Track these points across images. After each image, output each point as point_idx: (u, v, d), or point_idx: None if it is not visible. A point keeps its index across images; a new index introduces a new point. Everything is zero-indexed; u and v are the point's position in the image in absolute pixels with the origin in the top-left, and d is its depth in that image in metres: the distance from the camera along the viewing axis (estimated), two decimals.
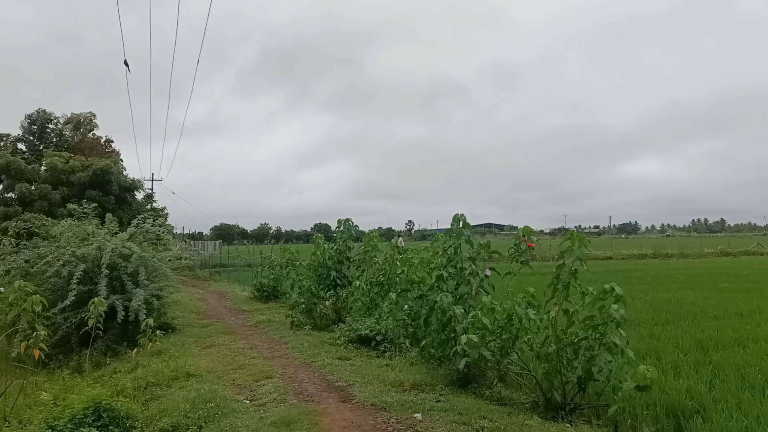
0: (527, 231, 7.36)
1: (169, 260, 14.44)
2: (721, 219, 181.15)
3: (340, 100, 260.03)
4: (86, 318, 9.47)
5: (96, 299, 9.54)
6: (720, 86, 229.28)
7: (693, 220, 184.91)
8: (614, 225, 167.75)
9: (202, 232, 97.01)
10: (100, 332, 9.94)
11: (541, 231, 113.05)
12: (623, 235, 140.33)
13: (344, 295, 12.57)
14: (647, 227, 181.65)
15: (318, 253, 14.27)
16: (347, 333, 10.40)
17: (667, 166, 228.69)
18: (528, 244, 7.18)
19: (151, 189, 44.24)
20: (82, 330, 9.98)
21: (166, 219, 31.05)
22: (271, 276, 18.66)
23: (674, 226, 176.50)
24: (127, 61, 15.21)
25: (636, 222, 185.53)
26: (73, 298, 10.82)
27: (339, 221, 14.69)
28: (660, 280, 22.06)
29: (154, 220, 14.82)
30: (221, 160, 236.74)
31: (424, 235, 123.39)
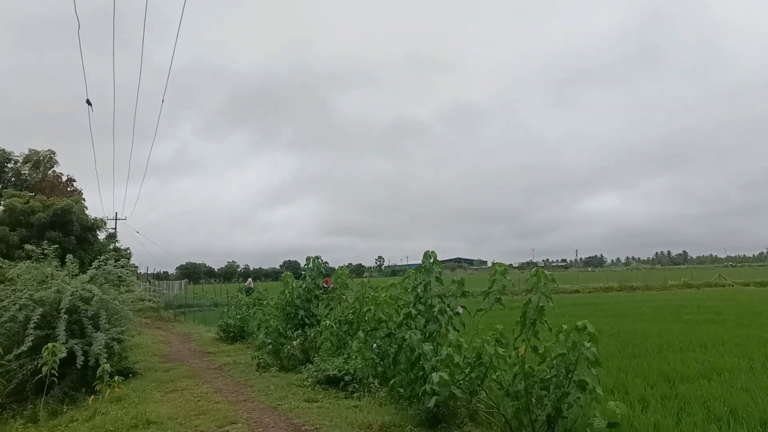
0: (501, 268, 7.37)
1: (131, 302, 14.04)
2: (684, 251, 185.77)
3: (308, 140, 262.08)
4: (41, 365, 9.13)
5: (50, 345, 9.22)
6: (669, 127, 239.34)
7: (656, 253, 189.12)
8: (580, 258, 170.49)
9: (167, 272, 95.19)
10: (56, 379, 9.56)
11: (510, 265, 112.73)
12: (589, 268, 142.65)
13: (312, 334, 12.37)
14: (612, 260, 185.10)
15: (286, 291, 14.05)
16: (315, 374, 10.20)
17: (626, 201, 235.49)
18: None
19: (114, 228, 43.47)
20: (37, 377, 9.57)
21: (129, 259, 30.32)
22: (238, 316, 18.30)
23: (638, 258, 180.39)
24: (90, 100, 15.04)
25: (601, 255, 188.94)
26: (30, 343, 10.38)
27: (308, 258, 14.53)
28: (626, 312, 22.35)
29: (116, 261, 14.45)
30: (189, 200, 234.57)
31: (395, 270, 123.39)
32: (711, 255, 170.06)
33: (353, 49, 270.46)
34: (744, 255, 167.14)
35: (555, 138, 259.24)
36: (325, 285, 12.59)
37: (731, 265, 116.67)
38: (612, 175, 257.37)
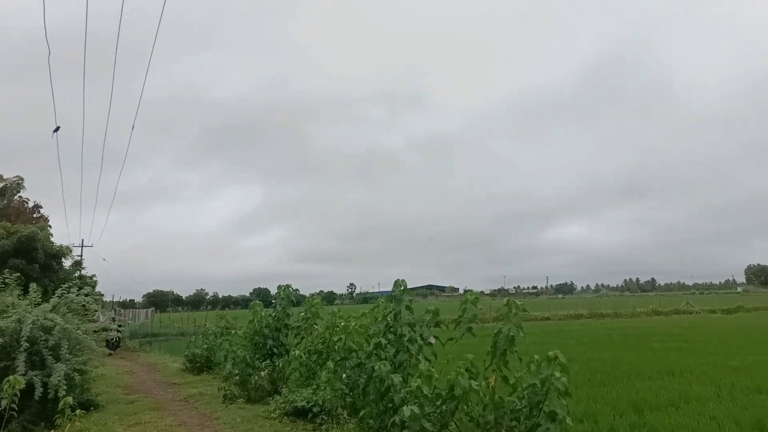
0: (472, 296, 7.37)
1: (95, 332, 13.65)
2: (652, 278, 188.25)
3: (281, 169, 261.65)
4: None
5: (11, 377, 8.85)
6: (631, 160, 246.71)
7: (625, 280, 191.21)
8: (551, 285, 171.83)
9: (134, 300, 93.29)
10: (15, 413, 9.18)
11: (482, 292, 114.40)
12: (560, 296, 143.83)
13: (281, 364, 12.14)
14: (582, 287, 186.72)
15: (255, 320, 13.82)
16: (283, 405, 9.98)
17: (594, 229, 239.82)
18: None
19: (81, 256, 42.52)
20: None
21: (94, 287, 29.62)
22: (205, 346, 17.91)
23: (608, 285, 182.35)
24: (59, 127, 14.81)
25: (572, 282, 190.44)
26: None
27: (278, 287, 14.37)
28: (596, 340, 22.52)
29: (79, 289, 14.07)
30: (160, 228, 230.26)
31: (366, 297, 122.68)
32: (678, 282, 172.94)
33: (326, 84, 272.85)
34: (710, 282, 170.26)
35: (524, 169, 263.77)
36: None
37: (698, 293, 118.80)
38: (579, 205, 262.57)
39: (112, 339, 25.85)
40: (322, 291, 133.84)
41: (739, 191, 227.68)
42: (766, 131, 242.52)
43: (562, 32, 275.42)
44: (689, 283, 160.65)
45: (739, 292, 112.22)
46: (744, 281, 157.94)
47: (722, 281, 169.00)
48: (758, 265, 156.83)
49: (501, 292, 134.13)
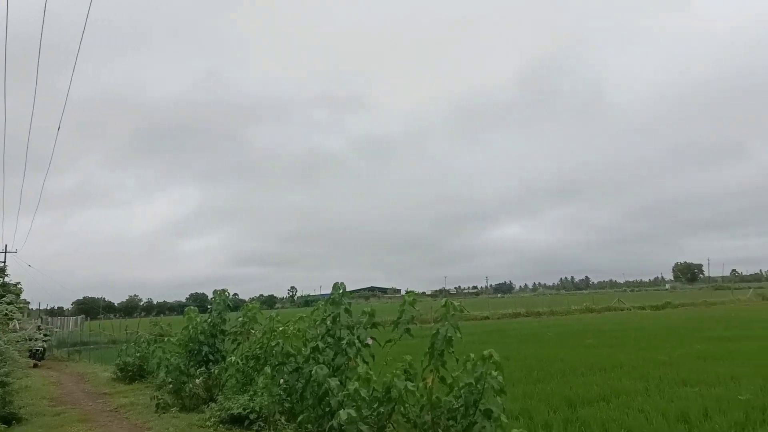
0: (410, 298, 7.36)
1: (18, 342, 12.94)
2: (586, 277, 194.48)
3: (219, 171, 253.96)
4: None
5: None
6: (565, 163, 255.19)
7: (561, 279, 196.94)
8: (491, 285, 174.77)
9: (62, 307, 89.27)
10: None
11: (424, 293, 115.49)
12: (499, 295, 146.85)
13: (217, 371, 11.83)
14: (521, 286, 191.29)
15: (190, 327, 13.41)
16: (218, 413, 9.70)
17: (531, 230, 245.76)
18: None
19: (4, 262, 40.41)
20: None
21: (19, 294, 28.14)
22: (137, 354, 17.27)
23: (544, 284, 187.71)
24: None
25: (510, 282, 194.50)
26: None
27: (214, 292, 14.01)
28: (532, 338, 23.07)
29: (1, 297, 13.33)
30: (91, 232, 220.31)
31: (308, 300, 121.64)
32: (611, 280, 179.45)
33: (265, 85, 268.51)
34: (641, 280, 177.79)
35: (465, 172, 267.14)
36: None
37: (629, 290, 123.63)
38: (518, 207, 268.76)
39: (38, 349, 24.57)
40: (262, 295, 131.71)
41: (666, 192, 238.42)
42: (690, 135, 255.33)
43: (502, 37, 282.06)
44: (621, 281, 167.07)
45: (667, 289, 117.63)
46: (672, 278, 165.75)
47: (651, 279, 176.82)
48: (685, 262, 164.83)
49: (442, 292, 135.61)
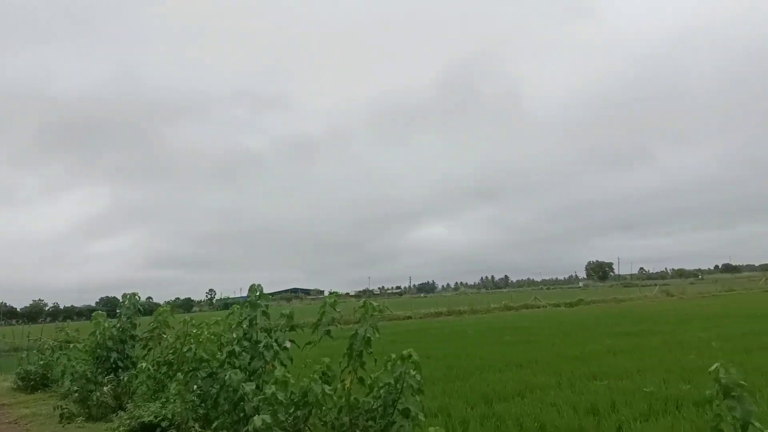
0: (331, 299, 7.27)
1: None
2: (506, 276, 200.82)
3: (131, 170, 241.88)
4: None
5: None
6: (484, 165, 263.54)
7: (482, 278, 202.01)
8: (414, 285, 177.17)
9: None
10: None
11: (347, 293, 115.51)
12: (422, 294, 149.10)
13: (126, 378, 11.26)
14: (443, 286, 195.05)
15: (97, 332, 12.72)
16: (128, 422, 9.20)
17: (452, 230, 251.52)
18: None
19: None
20: None
21: None
22: (41, 362, 16.22)
23: (466, 283, 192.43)
24: None
25: (433, 281, 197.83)
26: None
27: (123, 296, 13.36)
28: (453, 336, 23.44)
29: None
30: None
31: (227, 303, 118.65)
32: (529, 279, 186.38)
33: (182, 82, 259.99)
34: (556, 278, 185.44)
35: (386, 172, 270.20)
36: None
37: (545, 288, 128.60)
38: (439, 207, 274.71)
39: None
40: (178, 298, 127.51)
41: (579, 193, 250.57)
42: (601, 140, 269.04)
43: (424, 39, 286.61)
44: (538, 279, 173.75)
45: (580, 287, 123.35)
46: (585, 276, 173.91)
47: (566, 277, 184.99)
48: (596, 261, 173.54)
49: (366, 293, 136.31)
